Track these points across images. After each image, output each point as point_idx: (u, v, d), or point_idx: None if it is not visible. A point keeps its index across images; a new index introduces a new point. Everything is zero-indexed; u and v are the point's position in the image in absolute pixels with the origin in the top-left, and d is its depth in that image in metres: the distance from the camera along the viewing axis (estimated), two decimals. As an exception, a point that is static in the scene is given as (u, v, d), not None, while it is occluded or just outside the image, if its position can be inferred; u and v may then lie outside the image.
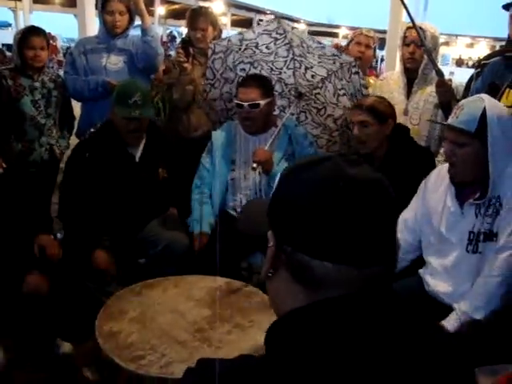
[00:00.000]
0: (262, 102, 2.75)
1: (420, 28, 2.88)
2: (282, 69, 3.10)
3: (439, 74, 2.78)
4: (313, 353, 0.73)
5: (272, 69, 3.12)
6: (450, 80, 2.84)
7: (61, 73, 4.04)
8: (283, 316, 0.80)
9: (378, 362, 0.73)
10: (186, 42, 3.50)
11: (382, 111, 2.58)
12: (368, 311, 0.76)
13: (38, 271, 2.36)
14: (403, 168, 2.46)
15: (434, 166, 2.51)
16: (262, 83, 2.80)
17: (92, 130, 2.87)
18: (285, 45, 2.98)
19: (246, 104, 2.75)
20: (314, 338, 0.74)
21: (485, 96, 2.00)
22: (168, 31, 23.99)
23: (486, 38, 34.96)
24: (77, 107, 3.87)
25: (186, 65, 3.34)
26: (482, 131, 1.90)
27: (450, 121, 2.01)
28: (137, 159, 2.85)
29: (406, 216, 2.24)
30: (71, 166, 2.84)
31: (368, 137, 2.58)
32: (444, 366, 0.78)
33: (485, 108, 1.90)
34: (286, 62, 3.05)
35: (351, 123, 2.76)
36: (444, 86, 2.77)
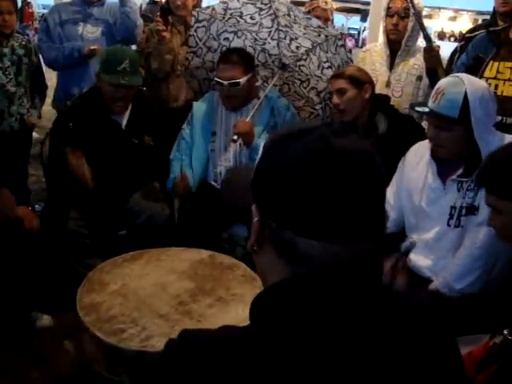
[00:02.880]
0: (243, 80, 2.71)
1: (405, -1, 2.86)
2: (266, 39, 3.04)
3: (427, 39, 2.77)
4: (295, 324, 0.72)
5: (256, 39, 3.06)
6: (438, 46, 2.83)
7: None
8: (267, 288, 0.79)
9: (361, 333, 0.73)
10: (165, 10, 3.41)
11: (358, 76, 2.58)
12: (352, 283, 0.74)
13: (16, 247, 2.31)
14: (386, 135, 2.46)
15: (419, 131, 2.52)
16: (243, 59, 2.74)
17: (75, 97, 2.80)
18: (269, 15, 2.92)
19: (225, 82, 2.70)
20: (296, 309, 0.73)
21: (464, 77, 1.98)
22: (148, -1, 23.46)
23: (468, 11, 34.95)
24: (53, 78, 3.78)
25: (164, 33, 3.25)
26: (465, 115, 1.90)
27: (431, 105, 2.00)
28: (123, 127, 2.80)
29: (388, 193, 2.24)
30: (56, 136, 2.77)
31: (347, 104, 2.58)
32: (429, 338, 0.78)
33: (466, 92, 1.89)
34: (270, 32, 3.00)
35: (330, 94, 2.75)
36: (432, 52, 2.75)
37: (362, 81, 2.57)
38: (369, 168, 0.75)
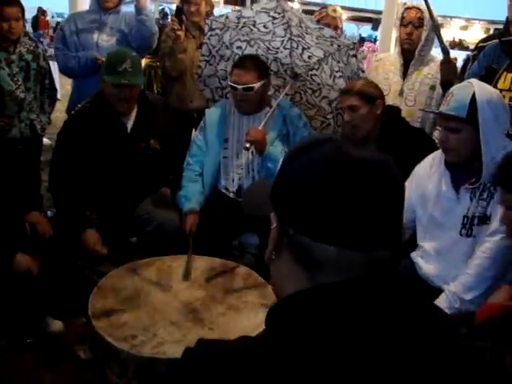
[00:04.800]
0: (257, 85, 2.72)
1: (419, 9, 2.86)
2: (278, 48, 3.05)
3: (445, 51, 2.75)
4: (313, 336, 0.72)
5: (269, 48, 3.07)
6: (455, 59, 2.82)
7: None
8: (285, 298, 0.80)
9: (379, 346, 0.72)
10: (180, 10, 3.47)
11: (370, 92, 2.56)
12: (370, 295, 0.75)
13: (28, 252, 2.33)
14: (397, 149, 2.45)
15: (430, 144, 2.51)
16: (257, 65, 2.76)
17: (82, 103, 2.83)
18: (282, 24, 2.93)
19: (240, 87, 2.71)
20: (314, 321, 0.73)
21: (474, 81, 2.01)
22: (160, 8, 23.64)
23: (480, 20, 34.81)
24: (66, 85, 3.82)
25: (179, 33, 3.33)
26: (474, 116, 1.91)
27: (441, 108, 2.03)
28: (128, 130, 2.81)
29: None
30: (63, 141, 2.79)
31: (359, 120, 2.56)
32: (448, 352, 0.77)
33: (474, 93, 1.90)
34: (283, 41, 3.01)
35: (341, 109, 2.74)
36: (449, 65, 2.74)
37: (373, 97, 2.56)
38: (385, 176, 0.77)
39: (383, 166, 0.77)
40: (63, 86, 6.09)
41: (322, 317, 0.73)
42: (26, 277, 2.26)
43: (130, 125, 2.82)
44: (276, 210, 0.82)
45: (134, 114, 2.83)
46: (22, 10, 3.26)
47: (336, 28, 3.50)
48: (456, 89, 2.00)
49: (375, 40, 28.39)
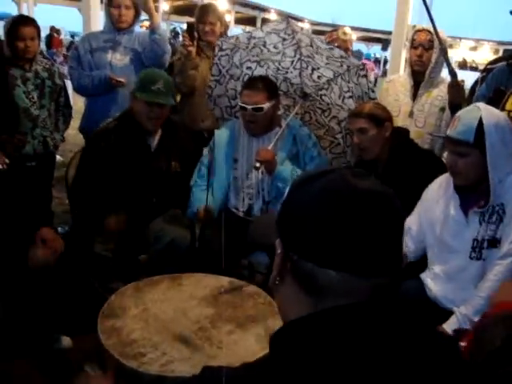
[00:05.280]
0: (266, 106, 2.74)
1: (429, 31, 2.89)
2: (288, 68, 3.09)
3: (453, 74, 2.78)
4: (316, 362, 0.73)
5: (278, 68, 3.11)
6: (463, 81, 2.85)
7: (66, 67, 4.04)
8: (288, 323, 0.82)
9: (380, 372, 0.73)
10: (191, 27, 3.52)
11: (378, 115, 2.58)
12: (371, 321, 0.77)
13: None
14: (406, 171, 2.46)
15: (439, 166, 2.52)
16: (267, 86, 2.79)
17: (109, 119, 2.88)
18: (293, 45, 2.97)
19: (249, 107, 2.74)
20: (317, 347, 0.75)
21: (481, 105, 2.02)
22: (172, 27, 23.96)
23: (489, 41, 34.94)
24: (78, 102, 3.87)
25: (190, 48, 3.38)
26: (481, 140, 1.92)
27: (448, 132, 2.03)
28: (152, 150, 2.86)
29: (410, 224, 2.25)
30: (87, 157, 2.84)
31: (368, 142, 2.58)
32: (449, 377, 0.78)
33: (481, 117, 1.92)
34: (292, 61, 3.05)
35: (350, 132, 2.76)
36: (457, 87, 2.76)
37: (382, 119, 2.58)
38: (386, 207, 0.80)
39: (384, 197, 0.81)
40: (76, 103, 6.18)
41: (324, 342, 0.75)
42: (44, 272, 2.26)
43: (153, 144, 2.87)
44: (281, 237, 0.85)
45: (158, 134, 2.89)
46: (38, 29, 3.35)
47: (347, 50, 3.55)
48: (463, 113, 2.01)
49: (376, 60, 28.62)
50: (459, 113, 2.03)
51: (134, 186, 2.76)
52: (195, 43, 3.45)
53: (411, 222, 2.26)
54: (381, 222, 0.78)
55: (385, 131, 2.58)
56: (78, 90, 3.59)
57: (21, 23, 3.24)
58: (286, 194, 0.88)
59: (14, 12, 18.57)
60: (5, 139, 3.05)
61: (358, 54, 17.38)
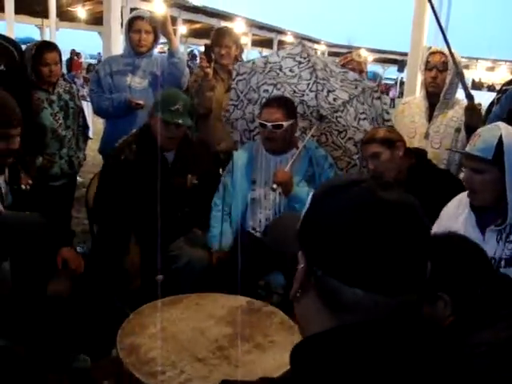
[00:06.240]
0: (285, 123, 2.79)
1: (443, 53, 2.92)
2: (304, 91, 3.14)
3: (469, 97, 2.80)
4: (337, 377, 0.72)
5: (295, 91, 3.16)
6: (480, 105, 2.86)
7: (87, 89, 4.13)
8: (308, 338, 0.80)
9: None
10: (208, 49, 3.59)
11: (389, 137, 2.59)
12: (394, 338, 0.75)
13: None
14: (425, 191, 2.46)
15: (457, 185, 2.52)
16: (286, 105, 2.85)
17: (126, 136, 2.94)
18: (308, 68, 3.02)
19: (269, 124, 2.79)
20: (338, 362, 0.73)
21: (501, 124, 2.03)
22: (189, 50, 24.29)
23: (506, 61, 34.80)
24: (97, 123, 3.95)
25: (207, 70, 3.43)
26: (500, 158, 1.92)
27: (467, 149, 2.04)
28: (169, 164, 2.92)
29: None
30: (106, 175, 2.91)
31: (383, 166, 2.58)
32: None
33: (501, 135, 1.92)
34: (308, 84, 3.09)
35: (365, 161, 2.77)
36: (473, 110, 2.78)
37: (393, 140, 2.58)
38: (413, 220, 0.77)
39: (411, 210, 0.78)
40: (95, 125, 6.29)
41: (346, 357, 0.73)
42: (59, 300, 2.30)
43: (170, 159, 2.93)
44: (304, 250, 0.82)
45: (174, 150, 2.94)
46: (60, 54, 3.48)
47: (361, 72, 3.58)
48: (483, 130, 2.02)
49: (396, 83, 28.66)
50: (479, 130, 2.04)
51: (152, 202, 2.79)
52: (212, 65, 3.52)
53: None
54: (410, 236, 0.76)
55: (398, 151, 2.59)
56: (99, 112, 3.68)
57: (45, 49, 3.35)
58: (308, 204, 0.84)
59: (37, 36, 18.98)
60: (29, 160, 3.13)
61: (374, 77, 17.44)
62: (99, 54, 21.54)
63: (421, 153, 2.73)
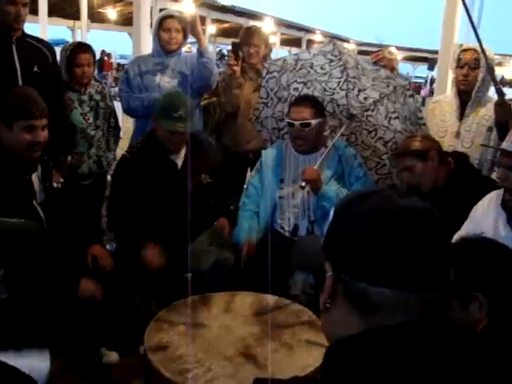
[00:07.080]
0: (314, 122, 2.78)
1: (475, 50, 2.86)
2: (335, 89, 3.11)
3: (500, 93, 2.74)
4: (370, 379, 0.74)
5: (325, 89, 3.13)
6: (511, 100, 2.80)
7: (117, 89, 4.17)
8: (340, 341, 0.82)
9: None
10: (236, 47, 3.59)
11: (420, 149, 2.53)
12: (425, 340, 0.77)
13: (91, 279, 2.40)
14: (465, 196, 2.39)
15: (489, 183, 2.46)
16: (314, 103, 2.83)
17: (135, 141, 2.95)
18: (339, 66, 2.99)
19: (297, 123, 2.77)
20: (371, 365, 0.75)
21: None
22: (218, 49, 24.36)
23: (541, 59, 34.03)
24: (126, 123, 3.97)
25: (235, 68, 3.44)
26: None
27: (504, 145, 2.00)
28: (179, 167, 2.90)
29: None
30: (117, 180, 2.92)
31: (419, 178, 2.53)
32: None
33: None
34: (339, 83, 3.06)
35: (399, 173, 2.73)
36: (503, 106, 2.71)
37: (425, 151, 2.52)
38: (430, 223, 0.82)
39: (427, 214, 0.83)
40: (124, 124, 6.36)
41: (380, 360, 0.75)
42: (90, 303, 2.32)
43: (179, 162, 2.91)
44: (330, 259, 0.87)
45: (183, 151, 2.93)
46: (93, 55, 3.52)
47: (392, 69, 3.55)
48: None
49: (426, 82, 28.28)
50: None
51: (165, 204, 2.81)
52: (239, 63, 3.52)
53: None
54: (426, 237, 0.80)
55: (431, 161, 2.52)
56: (128, 111, 3.71)
57: (79, 50, 3.40)
58: (331, 217, 0.90)
59: (69, 37, 19.28)
60: (61, 159, 3.18)
61: (406, 76, 17.26)
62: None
63: (462, 157, 2.66)
